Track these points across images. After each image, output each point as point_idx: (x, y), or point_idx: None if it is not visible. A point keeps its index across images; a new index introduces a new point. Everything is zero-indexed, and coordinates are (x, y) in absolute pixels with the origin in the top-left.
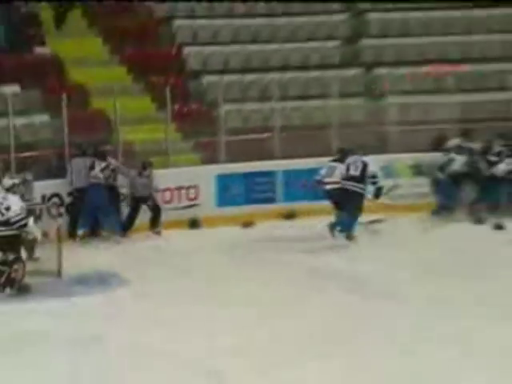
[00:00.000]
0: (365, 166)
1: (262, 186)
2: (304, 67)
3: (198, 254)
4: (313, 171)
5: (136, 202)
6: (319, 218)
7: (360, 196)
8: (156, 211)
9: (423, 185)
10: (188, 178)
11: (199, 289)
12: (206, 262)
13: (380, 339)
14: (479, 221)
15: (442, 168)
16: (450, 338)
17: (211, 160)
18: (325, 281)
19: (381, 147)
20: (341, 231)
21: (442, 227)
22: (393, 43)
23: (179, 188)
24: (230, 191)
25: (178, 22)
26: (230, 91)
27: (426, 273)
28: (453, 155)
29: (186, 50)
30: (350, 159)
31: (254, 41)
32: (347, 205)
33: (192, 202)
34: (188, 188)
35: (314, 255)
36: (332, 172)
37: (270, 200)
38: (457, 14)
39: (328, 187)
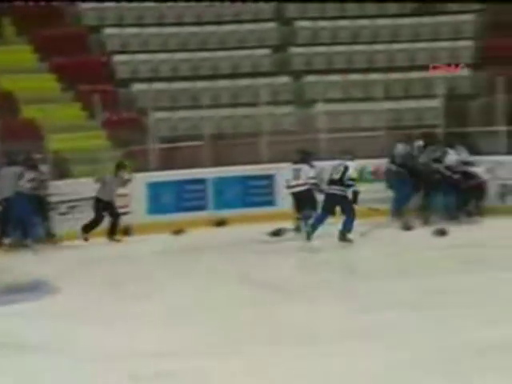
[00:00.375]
0: (345, 169)
1: (193, 193)
2: (234, 75)
3: (130, 261)
4: (243, 178)
5: (102, 207)
6: (250, 226)
7: (345, 198)
8: (116, 218)
9: None
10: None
11: (136, 294)
12: (137, 269)
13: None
14: (407, 227)
15: (392, 158)
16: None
17: (142, 168)
18: (256, 287)
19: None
20: (311, 229)
21: (380, 231)
22: (322, 51)
23: None
24: (161, 199)
25: (107, 31)
26: (160, 99)
27: (355, 275)
28: (397, 144)
29: (116, 58)
30: (336, 163)
31: (183, 49)
32: (329, 209)
33: (123, 210)
34: (118, 196)
35: (246, 262)
36: (297, 174)
37: (201, 207)
38: (384, 22)
39: (294, 190)
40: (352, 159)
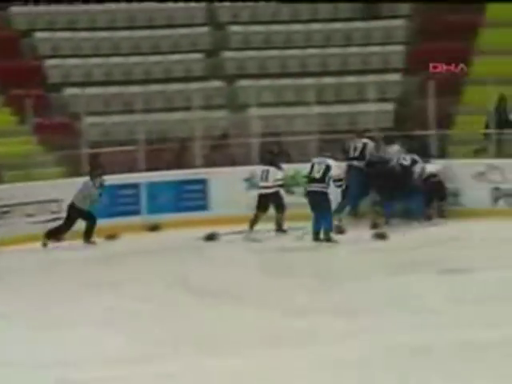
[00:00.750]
0: (327, 168)
1: (126, 198)
2: (167, 80)
3: (62, 268)
4: (177, 183)
5: (76, 214)
6: (184, 230)
7: (324, 195)
8: (92, 221)
9: (284, 196)
10: (51, 192)
11: (68, 297)
12: (70, 275)
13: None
14: (339, 231)
15: (347, 155)
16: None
17: (74, 173)
18: (194, 291)
19: (245, 159)
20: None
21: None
22: (254, 55)
23: (42, 202)
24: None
25: (38, 35)
26: (93, 104)
27: (290, 279)
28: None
29: (48, 62)
30: (315, 159)
31: (116, 53)
32: (317, 206)
33: (55, 216)
34: (51, 202)
35: (183, 266)
36: (265, 176)
37: (135, 212)
38: (317, 26)
39: (261, 191)
40: (330, 157)
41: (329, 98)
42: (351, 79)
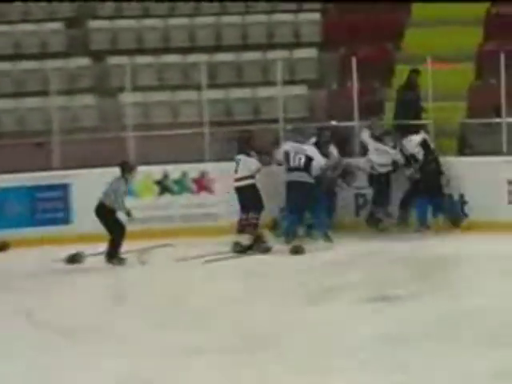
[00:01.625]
0: (309, 160)
1: None
2: (16, 56)
3: None
4: (29, 190)
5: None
6: (40, 250)
7: (309, 185)
8: (122, 232)
9: (169, 206)
10: None
11: None
12: None
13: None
14: (239, 250)
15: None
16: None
17: None
18: (45, 328)
19: (117, 158)
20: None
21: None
22: (130, 26)
23: None
24: None
25: None
26: None
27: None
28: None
29: None
30: (287, 147)
31: None
32: (294, 203)
33: None
34: None
35: (34, 296)
36: (237, 167)
37: None
38: None
39: (235, 185)
40: (303, 142)
41: (224, 79)
42: (253, 56)
